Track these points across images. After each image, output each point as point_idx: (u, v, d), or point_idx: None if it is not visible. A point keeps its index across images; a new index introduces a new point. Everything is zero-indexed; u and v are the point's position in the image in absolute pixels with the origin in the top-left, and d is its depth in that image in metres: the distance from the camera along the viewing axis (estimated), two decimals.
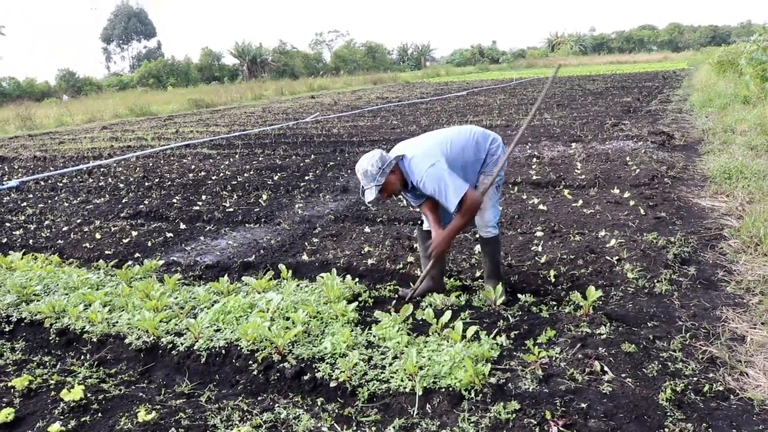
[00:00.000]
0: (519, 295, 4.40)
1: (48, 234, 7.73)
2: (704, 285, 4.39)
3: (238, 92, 34.46)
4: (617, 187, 6.87)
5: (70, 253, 6.89)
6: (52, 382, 3.90)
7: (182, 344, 4.09)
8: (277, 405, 3.48)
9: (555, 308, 4.22)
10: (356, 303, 4.43)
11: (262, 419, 3.31)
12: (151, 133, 19.40)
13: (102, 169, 12.65)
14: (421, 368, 3.48)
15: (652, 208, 6.10)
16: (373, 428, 3.15)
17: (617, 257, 4.85)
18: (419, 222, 6.07)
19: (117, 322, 4.50)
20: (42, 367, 4.23)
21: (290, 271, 5.22)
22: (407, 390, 3.35)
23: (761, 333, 3.69)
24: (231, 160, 12.49)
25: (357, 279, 5.20)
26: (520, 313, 4.17)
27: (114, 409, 3.48)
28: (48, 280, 5.49)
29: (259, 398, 3.62)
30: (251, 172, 10.80)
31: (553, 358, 3.52)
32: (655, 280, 4.45)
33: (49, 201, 9.87)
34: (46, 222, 8.39)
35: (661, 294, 4.28)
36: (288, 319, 4.23)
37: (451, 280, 4.96)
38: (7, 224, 8.45)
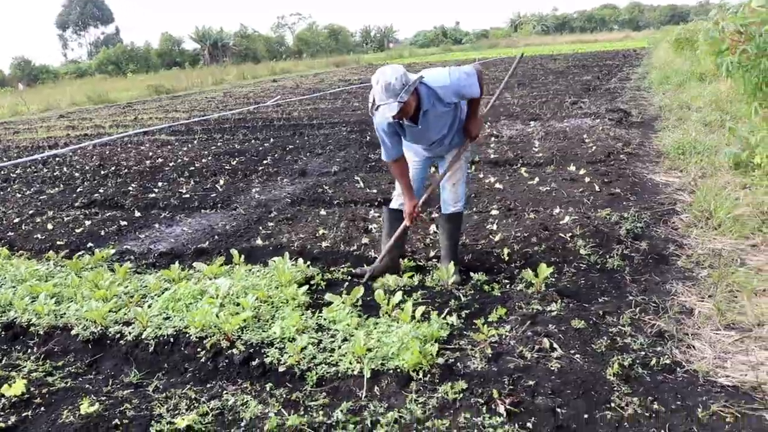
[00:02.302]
0: (472, 274, 4.39)
1: None
2: (656, 260, 4.43)
3: (199, 77, 33.87)
4: (573, 165, 6.91)
5: (21, 245, 6.68)
6: (5, 373, 3.77)
7: (130, 334, 4.00)
8: (225, 392, 3.42)
9: (507, 286, 4.22)
10: (307, 286, 4.38)
11: (209, 407, 3.25)
12: (109, 120, 18.95)
13: (57, 159, 12.32)
14: (369, 350, 3.45)
15: (607, 184, 6.15)
16: (321, 412, 3.11)
17: (570, 234, 4.87)
18: (379, 202, 6.02)
19: (65, 313, 4.38)
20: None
21: (242, 256, 5.14)
22: (355, 373, 3.32)
23: (708, 306, 3.73)
24: (189, 146, 12.27)
25: (311, 262, 5.14)
26: (472, 292, 4.16)
27: (58, 403, 3.38)
28: (21, 267, 5.31)
29: (208, 385, 3.55)
30: (209, 158, 10.62)
31: (503, 337, 3.52)
32: (608, 256, 4.48)
33: (1, 192, 9.57)
34: None
35: (613, 269, 4.31)
36: (238, 304, 4.16)
37: (406, 260, 4.93)
38: None
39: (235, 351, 3.66)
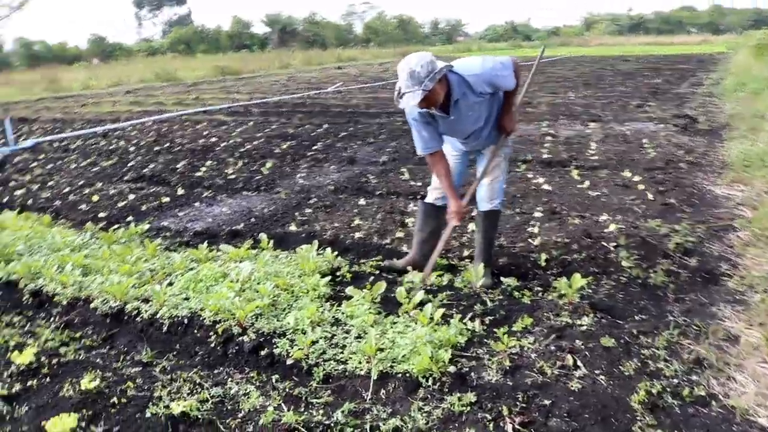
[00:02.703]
0: (503, 279, 4.16)
1: (48, 195, 7.68)
2: (704, 279, 4.09)
3: (265, 61, 34.30)
4: (629, 170, 6.53)
5: (66, 215, 6.82)
6: (13, 343, 3.79)
7: (146, 312, 3.95)
8: (230, 379, 3.32)
9: (539, 294, 3.97)
10: (330, 278, 4.23)
11: (210, 393, 3.15)
12: (172, 98, 19.33)
13: (117, 133, 12.60)
14: (381, 350, 3.28)
15: (662, 193, 5.76)
16: (321, 411, 2.97)
17: (614, 244, 4.56)
18: (420, 196, 5.82)
19: (89, 285, 4.38)
20: (10, 327, 4.13)
21: (271, 241, 5.04)
22: (363, 373, 3.16)
23: (757, 335, 3.39)
24: (244, 127, 12.33)
25: (341, 253, 5.01)
26: (500, 297, 3.93)
27: (63, 375, 3.34)
28: (34, 240, 5.39)
29: (216, 371, 3.46)
30: (261, 140, 10.63)
31: (525, 349, 3.29)
32: (651, 271, 4.17)
33: (59, 162, 9.84)
34: (50, 183, 8.35)
35: (656, 286, 4.00)
36: (258, 291, 4.05)
37: (438, 258, 4.73)
38: (12, 184, 8.43)
39: (246, 338, 3.56)
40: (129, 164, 9.28)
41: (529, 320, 3.55)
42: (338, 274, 4.45)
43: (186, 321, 3.81)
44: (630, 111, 10.21)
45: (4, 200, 7.53)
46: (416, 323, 3.52)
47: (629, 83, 14.07)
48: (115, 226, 5.85)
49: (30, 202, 7.36)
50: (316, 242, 4.76)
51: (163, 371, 3.46)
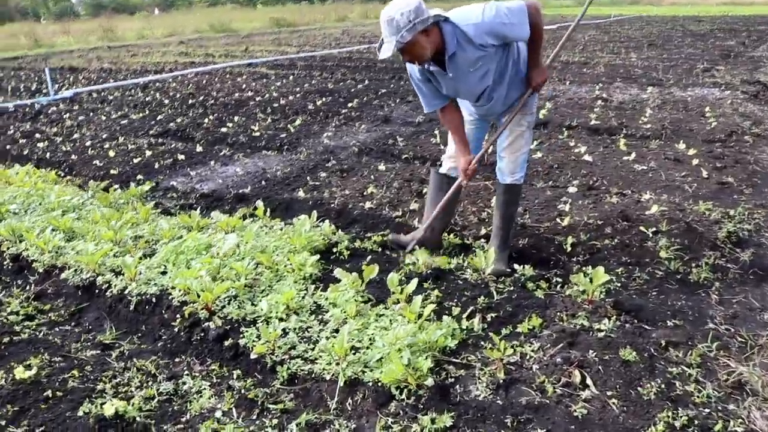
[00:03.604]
0: (516, 266, 3.60)
1: (69, 149, 7.45)
2: (758, 277, 3.43)
3: (322, 13, 33.61)
4: (683, 142, 5.74)
5: (79, 170, 6.57)
6: None
7: (116, 286, 3.59)
8: (187, 372, 2.93)
9: (556, 287, 3.40)
10: (321, 256, 3.77)
11: (159, 389, 2.78)
12: (221, 50, 19.06)
13: (157, 84, 12.38)
14: (355, 350, 2.82)
15: (719, 170, 5.00)
16: (275, 421, 2.54)
17: (654, 229, 3.91)
18: (437, 163, 5.26)
19: (68, 252, 4.06)
20: None
21: (269, 210, 4.61)
22: (330, 377, 2.70)
23: None
24: (284, 81, 11.90)
25: (347, 225, 4.56)
26: (510, 288, 3.38)
27: (9, 358, 3.03)
28: (33, 199, 5.13)
29: (176, 359, 3.08)
30: (297, 95, 10.17)
31: (526, 357, 2.75)
32: (694, 264, 3.53)
33: (91, 114, 9.65)
34: (75, 136, 8.14)
35: (697, 283, 3.36)
36: (235, 269, 3.64)
37: (451, 236, 4.20)
38: (38, 135, 8.27)
39: (212, 325, 3.15)
40: (158, 118, 8.99)
41: (538, 321, 3.00)
42: (335, 250, 3.98)
43: (154, 300, 3.44)
44: (695, 75, 9.21)
45: (25, 152, 7.35)
46: (404, 317, 3.03)
47: (699, 45, 12.82)
48: (116, 186, 5.53)
49: (48, 155, 7.15)
50: (314, 213, 4.29)
51: (120, 357, 3.10)
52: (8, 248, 4.26)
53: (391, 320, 3.05)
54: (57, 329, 3.44)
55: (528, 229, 4.20)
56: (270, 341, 2.89)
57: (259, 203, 4.58)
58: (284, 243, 3.92)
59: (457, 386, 2.60)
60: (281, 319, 3.14)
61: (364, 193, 5.15)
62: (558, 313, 3.06)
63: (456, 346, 2.84)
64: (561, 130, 6.47)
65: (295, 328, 3.06)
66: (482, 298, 3.27)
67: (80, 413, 2.56)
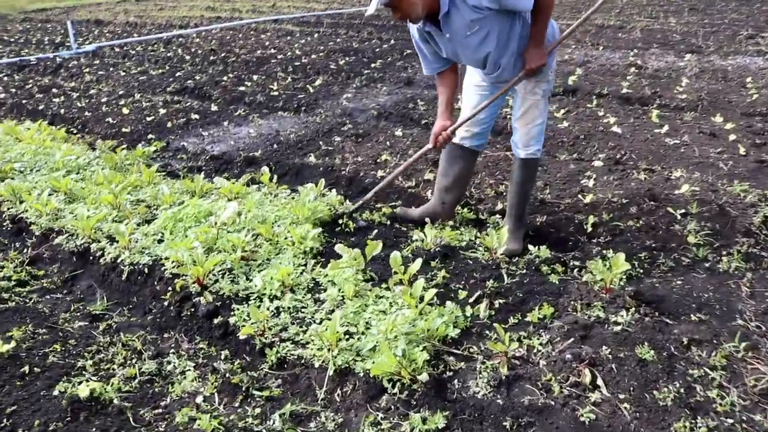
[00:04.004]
0: (531, 247, 3.35)
1: (83, 105, 7.32)
2: None
3: None
4: (721, 115, 5.34)
5: (92, 128, 6.44)
6: None
7: (109, 254, 3.44)
8: (173, 350, 2.79)
9: (573, 272, 3.15)
10: (324, 228, 3.57)
11: (142, 368, 2.63)
12: (248, 5, 18.68)
13: (180, 39, 12.15)
14: (349, 336, 2.63)
15: (758, 147, 4.62)
16: (258, 410, 2.38)
17: (683, 211, 3.61)
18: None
19: (66, 216, 3.92)
20: None
21: (277, 176, 4.43)
22: (320, 364, 2.52)
23: None
24: (309, 39, 11.57)
25: (357, 194, 4.34)
26: (523, 271, 3.15)
27: None
28: (39, 157, 5.00)
29: (164, 335, 2.95)
30: (320, 54, 9.87)
31: (533, 351, 2.53)
32: (724, 252, 3.24)
33: (111, 69, 9.50)
34: (92, 91, 8.00)
35: (727, 273, 3.08)
36: (231, 241, 3.46)
37: (465, 210, 3.96)
38: (55, 90, 8.15)
39: (203, 300, 2.98)
40: (176, 74, 8.80)
41: (549, 310, 2.77)
42: (340, 222, 3.77)
43: (147, 270, 3.28)
44: (738, 42, 8.64)
45: (40, 108, 7.24)
46: (405, 302, 2.82)
47: (744, 9, 12.06)
48: (124, 146, 5.37)
49: (63, 111, 7.02)
50: (322, 182, 4.07)
51: (106, 331, 2.96)
52: (8, 209, 4.15)
53: (391, 303, 2.84)
54: (48, 297, 3.32)
55: (547, 206, 3.94)
56: (260, 322, 2.71)
57: (265, 169, 4.38)
58: (287, 213, 3.71)
59: (456, 381, 2.40)
60: (275, 297, 2.95)
61: (378, 161, 4.91)
62: (572, 302, 2.82)
63: (458, 335, 2.63)
64: (590, 99, 6.11)
65: (288, 308, 2.88)
66: (492, 281, 3.04)
67: (56, 392, 2.43)
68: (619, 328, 2.62)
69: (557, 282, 3.02)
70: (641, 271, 3.15)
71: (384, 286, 3.02)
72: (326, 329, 2.57)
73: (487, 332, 2.68)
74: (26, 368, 2.56)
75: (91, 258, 3.53)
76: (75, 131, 6.34)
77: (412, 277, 3.00)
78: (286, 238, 3.45)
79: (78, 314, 3.13)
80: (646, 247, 3.36)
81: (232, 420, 2.30)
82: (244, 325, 2.75)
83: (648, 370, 2.39)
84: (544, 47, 3.08)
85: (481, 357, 2.51)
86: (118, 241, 3.50)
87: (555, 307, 2.79)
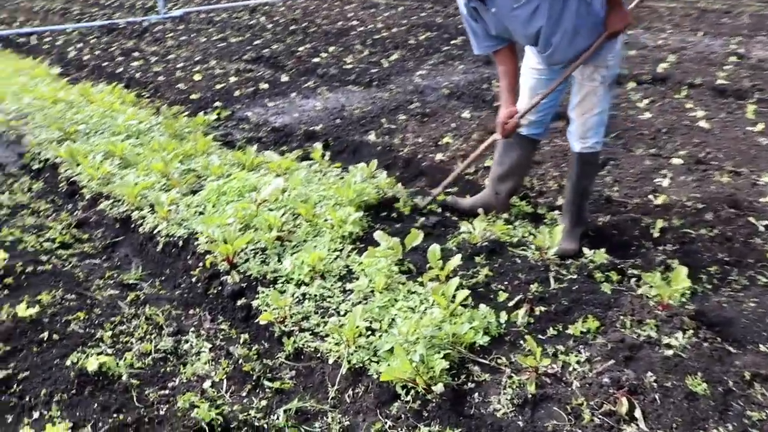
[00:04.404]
0: (585, 250, 3.06)
1: (159, 69, 7.42)
2: None
3: None
4: None
5: (163, 93, 6.51)
6: (11, 238, 3.44)
7: (148, 224, 3.41)
8: (194, 329, 2.72)
9: (629, 282, 2.85)
10: (367, 212, 3.41)
11: (159, 345, 2.58)
12: None
13: (265, 8, 12.18)
14: (371, 332, 2.46)
15: None
16: (264, 402, 2.26)
17: (767, 222, 3.21)
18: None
19: (115, 181, 3.93)
20: (34, 215, 3.85)
21: (333, 152, 4.29)
22: (335, 360, 2.37)
23: None
24: (393, 12, 11.32)
25: (412, 178, 4.16)
26: (574, 276, 2.86)
27: (23, 290, 2.91)
28: (107, 119, 5.06)
29: (190, 312, 2.89)
30: (402, 28, 9.62)
31: (567, 370, 2.28)
32: None
33: (193, 35, 9.62)
34: (170, 57, 8.12)
35: None
36: (283, 215, 3.35)
37: (522, 202, 3.70)
38: (135, 54, 8.32)
39: (230, 279, 2.89)
40: (254, 42, 8.80)
41: (594, 323, 2.50)
42: (395, 206, 3.57)
43: (181, 243, 3.23)
44: None
45: (118, 71, 7.40)
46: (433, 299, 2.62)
47: None
48: (186, 113, 5.38)
49: (139, 75, 7.15)
50: (374, 162, 3.89)
51: (134, 302, 2.92)
52: (65, 170, 4.21)
53: (422, 300, 2.65)
54: (86, 262, 3.33)
55: (613, 204, 3.61)
56: (281, 308, 2.58)
57: (317, 145, 4.25)
58: (332, 193, 3.56)
59: (476, 394, 2.19)
60: (302, 283, 2.82)
61: (439, 143, 4.68)
62: (621, 317, 2.53)
63: (488, 342, 2.41)
64: (680, 89, 5.60)
65: (315, 296, 2.73)
66: (536, 285, 2.78)
67: (68, 362, 2.39)
68: (670, 352, 2.32)
69: (609, 292, 2.73)
70: (708, 287, 2.81)
71: (420, 280, 2.82)
72: (346, 323, 2.40)
73: (522, 342, 2.44)
74: (45, 335, 2.55)
75: (132, 226, 3.51)
76: (147, 95, 6.43)
77: (450, 274, 2.79)
78: (326, 220, 3.30)
79: (111, 282, 3.11)
80: (718, 260, 3.00)
81: (234, 411, 2.19)
82: (266, 310, 2.63)
83: (697, 405, 2.09)
84: (625, 7, 2.79)
85: (508, 370, 2.28)
86: (157, 212, 3.46)
87: (601, 321, 2.51)
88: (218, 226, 3.07)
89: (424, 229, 3.29)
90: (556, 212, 3.57)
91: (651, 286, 2.61)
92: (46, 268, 3.11)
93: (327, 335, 2.49)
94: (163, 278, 3.16)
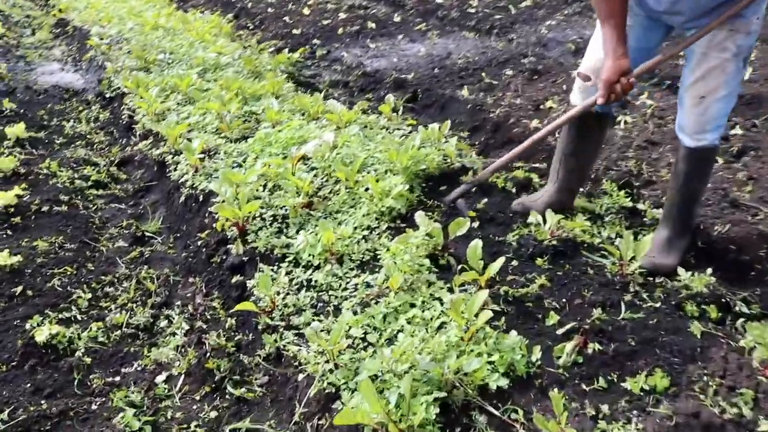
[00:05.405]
0: (681, 270, 2.31)
1: (272, 0, 7.09)
2: None
3: None
4: None
5: (267, 26, 6.23)
6: (47, 170, 3.28)
7: (178, 171, 3.08)
8: (183, 301, 2.37)
9: (733, 323, 2.09)
10: (426, 184, 2.85)
11: (133, 318, 2.25)
12: None
13: None
14: (366, 345, 1.95)
15: None
16: (213, 414, 1.85)
17: None
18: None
19: (167, 119, 3.63)
20: (87, 148, 3.69)
21: (401, 106, 3.75)
22: (304, 376, 1.90)
23: None
24: None
25: (500, 146, 3.53)
26: (657, 305, 2.15)
27: (26, 232, 2.70)
28: (193, 50, 4.81)
29: (189, 280, 2.59)
30: None
31: None
32: None
33: None
34: None
35: None
36: (321, 177, 2.89)
37: (621, 192, 2.95)
38: None
39: (233, 249, 2.48)
40: None
41: (664, 380, 1.81)
42: (462, 180, 2.95)
43: (202, 198, 2.85)
44: None
45: (233, 0, 7.16)
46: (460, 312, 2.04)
47: None
48: (272, 48, 5.00)
49: (250, 5, 6.88)
50: (447, 123, 3.28)
51: (135, 260, 2.64)
52: (128, 102, 3.99)
53: (442, 311, 2.09)
54: (111, 206, 3.09)
55: (739, 210, 2.76)
56: (269, 297, 2.14)
57: (390, 98, 3.67)
58: (385, 156, 3.02)
59: None
60: (311, 266, 2.35)
61: (540, 107, 3.94)
62: (706, 377, 1.82)
63: (509, 385, 1.81)
64: (741, 68, 4.35)
65: (320, 284, 2.26)
66: (602, 309, 2.11)
67: (27, 326, 2.12)
68: None
69: (698, 336, 2.00)
70: None
71: (444, 283, 2.25)
72: (332, 331, 1.91)
73: (556, 390, 1.82)
74: (19, 289, 2.30)
75: (166, 171, 3.20)
76: (251, 27, 6.15)
77: (490, 280, 2.20)
78: (367, 189, 2.78)
79: (126, 232, 2.84)
80: None
81: (171, 422, 1.80)
82: (261, 296, 2.19)
83: None
84: None
85: (523, 430, 1.69)
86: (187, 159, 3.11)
87: (674, 379, 1.82)
88: (237, 184, 2.65)
89: (483, 214, 2.68)
90: (654, 211, 2.79)
91: (760, 343, 1.86)
92: (62, 209, 2.88)
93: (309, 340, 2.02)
94: (178, 235, 2.83)
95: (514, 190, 3.01)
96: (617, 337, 2.00)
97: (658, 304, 2.16)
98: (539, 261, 2.41)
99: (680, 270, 2.30)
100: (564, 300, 2.20)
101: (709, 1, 2.05)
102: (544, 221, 2.57)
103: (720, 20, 2.05)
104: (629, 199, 2.93)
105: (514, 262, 2.40)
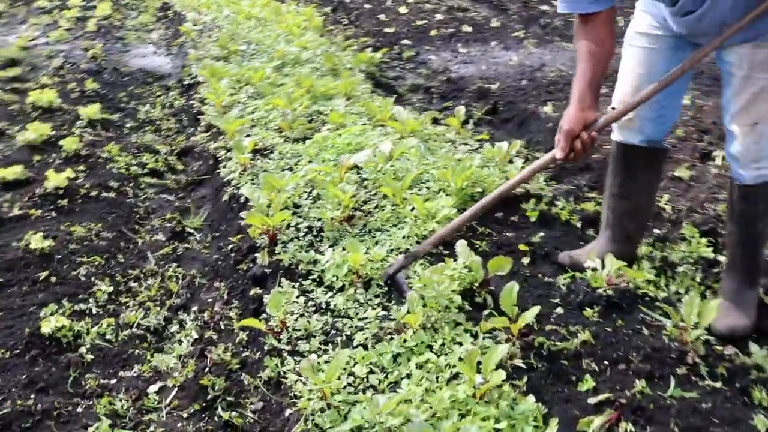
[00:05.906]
0: (753, 348, 1.96)
1: None
2: None
3: None
4: None
5: (361, 22, 6.14)
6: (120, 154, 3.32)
7: (227, 169, 3.01)
8: (196, 309, 2.28)
9: None
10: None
11: (144, 318, 2.19)
12: None
13: None
14: (366, 387, 1.77)
15: None
16: (211, 429, 1.74)
17: None
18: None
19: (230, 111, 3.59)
20: (155, 134, 3.72)
21: (478, 118, 3.54)
22: (302, 406, 1.74)
23: None
24: None
25: (577, 170, 3.23)
26: (717, 384, 1.82)
27: (73, 215, 2.73)
28: (278, 42, 4.80)
29: (214, 284, 2.51)
30: None
31: None
32: None
33: None
34: None
35: None
36: (366, 187, 2.74)
37: (703, 240, 2.60)
38: None
39: (259, 259, 2.37)
40: None
41: None
42: (522, 207, 2.72)
43: (242, 200, 2.76)
44: None
45: None
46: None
47: None
48: (356, 46, 4.88)
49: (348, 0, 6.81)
50: (517, 143, 3.03)
51: (167, 256, 2.59)
52: (201, 91, 4.00)
53: (461, 356, 1.87)
54: (160, 197, 3.07)
55: None
56: (278, 317, 2.00)
57: (460, 109, 3.44)
58: (441, 174, 2.81)
59: None
60: (333, 288, 2.19)
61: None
62: None
63: None
64: None
65: (338, 309, 2.09)
66: (647, 381, 1.82)
67: (41, 314, 2.10)
68: None
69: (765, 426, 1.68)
70: None
71: (473, 324, 2.02)
72: (328, 367, 1.74)
73: None
74: (44, 274, 2.29)
75: (217, 167, 3.15)
76: (345, 22, 6.07)
77: (525, 328, 1.96)
78: (413, 209, 2.59)
79: (167, 226, 2.80)
80: None
81: None
82: (275, 314, 2.06)
83: None
84: None
85: None
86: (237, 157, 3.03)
87: None
88: (279, 189, 2.53)
89: (537, 249, 2.43)
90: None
91: None
92: (110, 196, 2.88)
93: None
94: (216, 234, 2.76)
95: (579, 225, 2.72)
96: (658, 419, 1.71)
97: (718, 384, 1.83)
98: (588, 312, 2.14)
99: (752, 346, 1.95)
100: (606, 363, 1.92)
101: (738, 13, 1.71)
102: (603, 266, 2.28)
103: (722, 39, 1.74)
104: (711, 249, 2.56)
105: (559, 309, 2.14)
